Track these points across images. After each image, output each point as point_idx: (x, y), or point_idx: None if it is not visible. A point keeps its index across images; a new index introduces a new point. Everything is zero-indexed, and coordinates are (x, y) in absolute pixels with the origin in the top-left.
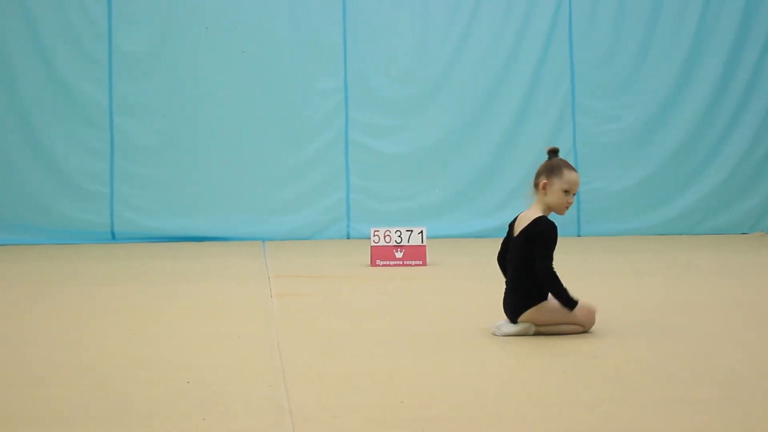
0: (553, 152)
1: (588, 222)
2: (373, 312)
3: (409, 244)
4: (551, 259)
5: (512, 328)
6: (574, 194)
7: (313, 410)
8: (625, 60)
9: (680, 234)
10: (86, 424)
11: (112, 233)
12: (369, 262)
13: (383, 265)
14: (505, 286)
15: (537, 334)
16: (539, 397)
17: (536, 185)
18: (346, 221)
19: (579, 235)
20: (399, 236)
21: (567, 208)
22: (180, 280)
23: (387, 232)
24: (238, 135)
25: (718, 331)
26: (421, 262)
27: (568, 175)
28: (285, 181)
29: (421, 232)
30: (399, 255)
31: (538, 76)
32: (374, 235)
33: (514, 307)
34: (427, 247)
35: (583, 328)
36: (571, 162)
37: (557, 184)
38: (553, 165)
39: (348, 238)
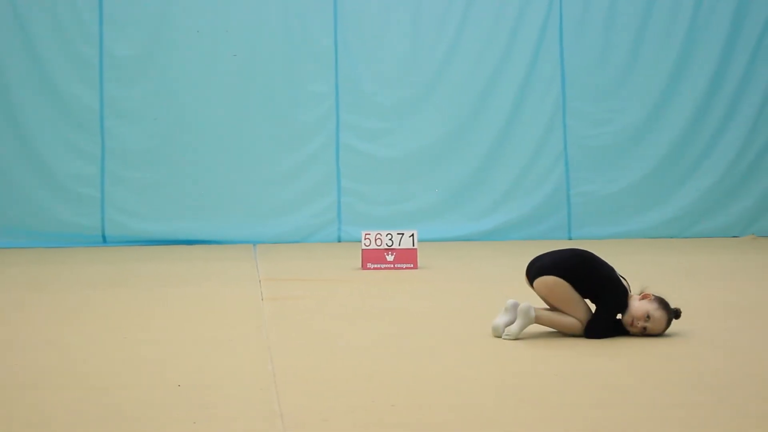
0: (677, 315)
1: (578, 225)
2: (364, 315)
3: (400, 247)
4: (607, 329)
5: (514, 328)
6: (646, 330)
7: (305, 414)
8: (615, 63)
9: (671, 237)
10: (77, 428)
11: (103, 236)
12: (360, 266)
13: (374, 269)
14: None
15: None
16: (532, 399)
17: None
18: (337, 224)
19: (570, 238)
20: (390, 239)
21: (630, 325)
22: (171, 283)
23: (378, 236)
24: (229, 138)
25: (710, 334)
26: (412, 266)
27: (663, 318)
28: (276, 185)
29: (412, 235)
30: (390, 258)
31: (529, 79)
32: (365, 239)
33: (541, 268)
34: (418, 251)
35: (577, 330)
36: (562, 166)
37: (649, 307)
38: (667, 306)
39: (339, 242)
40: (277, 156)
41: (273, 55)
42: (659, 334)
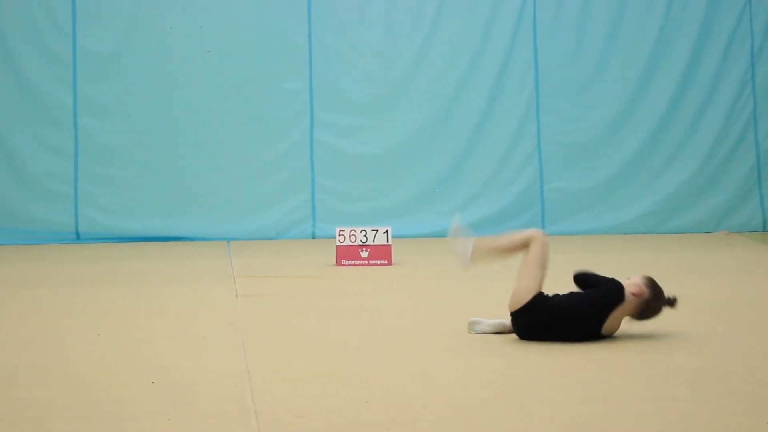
0: (670, 303)
1: (552, 221)
2: (338, 312)
3: (375, 243)
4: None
5: (488, 326)
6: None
7: (279, 411)
8: (589, 60)
9: (645, 233)
10: (53, 424)
11: (77, 233)
12: (334, 262)
13: (348, 265)
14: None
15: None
16: (505, 396)
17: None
18: (311, 221)
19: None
20: (364, 236)
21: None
22: (145, 280)
23: (352, 232)
24: (203, 135)
25: (684, 330)
26: (386, 262)
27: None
28: (250, 181)
29: (387, 231)
30: (364, 254)
31: (503, 76)
32: (339, 235)
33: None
34: (392, 247)
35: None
36: (536, 162)
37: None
38: (648, 307)
39: (313, 238)
40: (252, 153)
41: (247, 52)
42: (657, 308)
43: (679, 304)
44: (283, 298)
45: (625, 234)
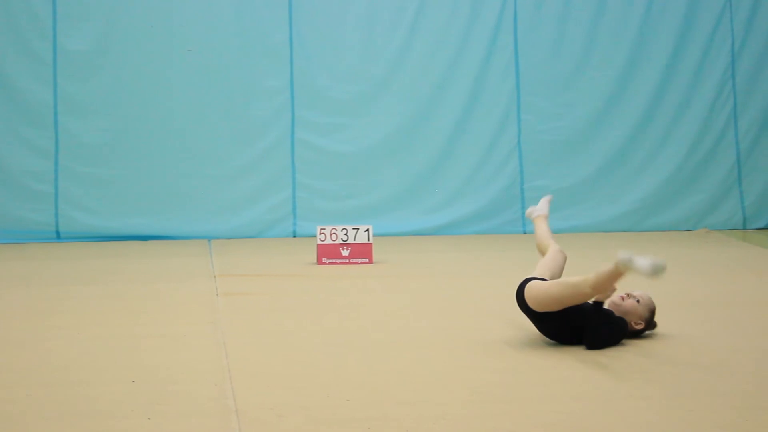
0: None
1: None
2: (319, 311)
3: (356, 242)
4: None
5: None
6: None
7: (260, 410)
8: (569, 58)
9: (625, 231)
10: (32, 423)
11: (57, 232)
12: (315, 261)
13: (330, 263)
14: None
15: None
16: (485, 394)
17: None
18: (292, 219)
19: (524, 233)
20: (345, 234)
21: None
22: (126, 279)
23: (333, 230)
24: (184, 134)
25: (662, 327)
26: (367, 260)
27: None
28: (231, 180)
29: (368, 229)
30: (345, 253)
31: (484, 74)
32: (320, 233)
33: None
34: (373, 245)
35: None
36: (516, 159)
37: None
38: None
39: (294, 237)
40: (232, 151)
41: (227, 50)
42: (651, 318)
43: (659, 305)
44: (264, 296)
45: (606, 232)
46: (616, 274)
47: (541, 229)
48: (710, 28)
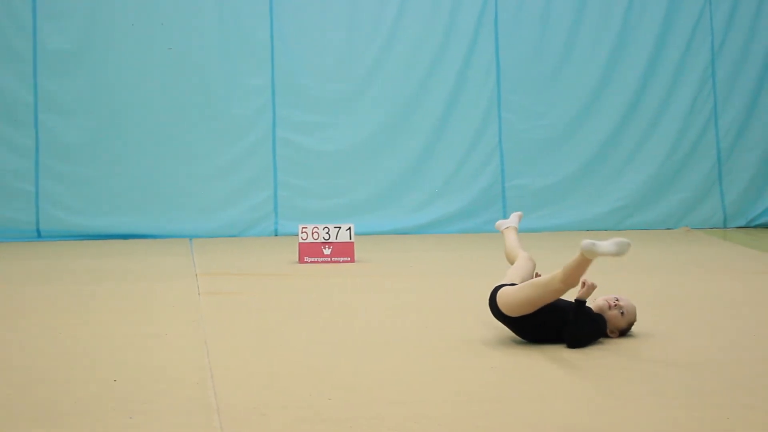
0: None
1: None
2: (301, 310)
3: (337, 240)
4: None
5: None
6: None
7: (242, 408)
8: (550, 56)
9: (606, 230)
10: (13, 423)
11: (38, 231)
12: (297, 259)
13: (311, 262)
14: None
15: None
16: (469, 393)
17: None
18: (274, 218)
19: None
20: (327, 233)
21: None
22: (107, 278)
23: (315, 229)
24: (165, 132)
25: (643, 326)
26: (349, 259)
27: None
28: (212, 179)
29: (349, 228)
30: (327, 252)
31: (465, 72)
32: (302, 232)
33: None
34: (355, 244)
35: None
36: (497, 158)
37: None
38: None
39: (276, 236)
40: (213, 150)
41: (209, 49)
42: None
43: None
44: (245, 295)
45: (587, 231)
46: (583, 263)
47: (510, 239)
48: (690, 26)
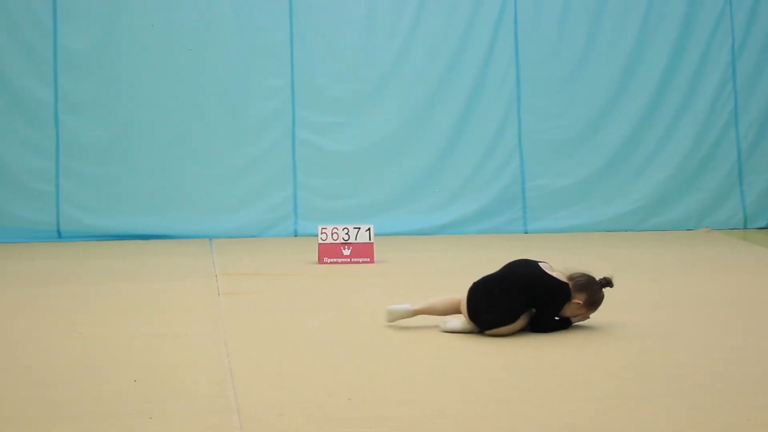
0: (608, 284)
1: (534, 219)
2: (320, 310)
3: (357, 241)
4: (551, 322)
5: (458, 324)
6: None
7: (261, 408)
8: (569, 57)
9: (626, 230)
10: (34, 423)
11: (58, 232)
12: (317, 260)
13: (331, 263)
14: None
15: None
16: (486, 393)
17: (572, 289)
18: (293, 219)
19: (526, 232)
20: (346, 233)
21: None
22: (127, 278)
23: (334, 230)
24: (185, 133)
25: (660, 326)
26: (368, 260)
27: (592, 312)
28: (232, 179)
29: (369, 229)
30: (346, 252)
31: (484, 73)
32: (322, 233)
33: (487, 321)
34: (374, 245)
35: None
36: (517, 159)
37: (585, 310)
38: (596, 300)
39: (295, 236)
40: (233, 150)
41: (228, 49)
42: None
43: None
44: (265, 296)
45: (607, 231)
46: None
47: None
48: (710, 27)
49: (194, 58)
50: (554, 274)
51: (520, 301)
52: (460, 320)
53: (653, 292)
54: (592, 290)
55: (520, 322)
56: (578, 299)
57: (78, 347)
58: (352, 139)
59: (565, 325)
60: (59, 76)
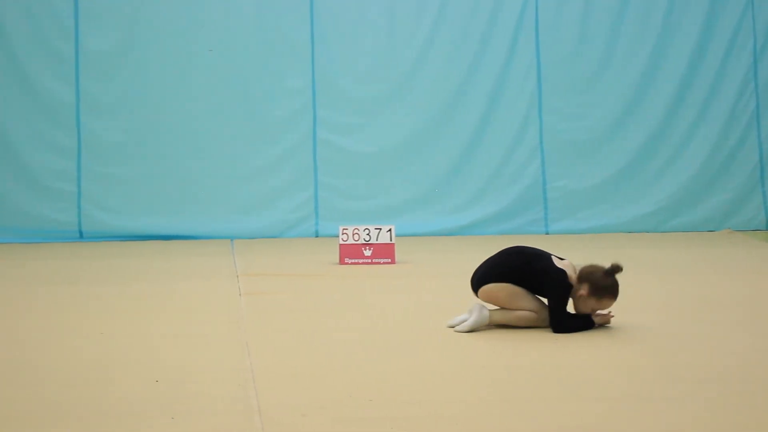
0: (614, 271)
1: (555, 220)
2: (342, 310)
3: (378, 242)
4: (566, 317)
5: (467, 323)
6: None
7: (283, 409)
8: (591, 58)
9: (647, 232)
10: (56, 423)
11: (80, 232)
12: (338, 261)
13: (352, 263)
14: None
15: (493, 327)
16: (508, 394)
17: (578, 280)
18: (314, 219)
19: (547, 233)
20: (368, 234)
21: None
22: (148, 279)
23: (356, 230)
24: (206, 133)
25: (683, 328)
26: (389, 260)
27: (608, 302)
28: (253, 180)
29: (390, 230)
30: (368, 253)
31: (505, 74)
32: (343, 234)
33: (481, 276)
34: (395, 245)
35: (533, 321)
36: (538, 160)
37: (592, 303)
38: (602, 286)
39: (317, 237)
40: (254, 151)
41: (249, 50)
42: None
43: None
44: (286, 296)
45: (628, 232)
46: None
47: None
48: (732, 28)
49: (215, 59)
50: (558, 264)
51: (516, 267)
52: (470, 316)
53: (673, 293)
54: (594, 278)
55: (518, 297)
56: (582, 290)
57: (100, 347)
58: (374, 140)
59: (587, 324)
60: (81, 77)
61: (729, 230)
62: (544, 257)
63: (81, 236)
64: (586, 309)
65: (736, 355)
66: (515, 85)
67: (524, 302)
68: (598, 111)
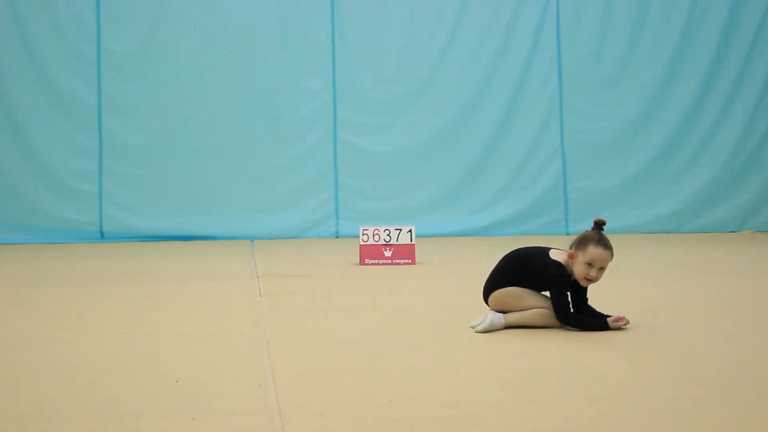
0: (598, 225)
1: (576, 220)
2: (362, 311)
3: (398, 242)
4: (567, 307)
5: (482, 324)
6: (602, 269)
7: (302, 409)
8: (612, 57)
9: (668, 232)
10: (76, 423)
11: (101, 232)
12: (358, 261)
13: (372, 264)
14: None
15: (510, 328)
16: (528, 395)
17: (568, 256)
18: (334, 220)
19: (567, 234)
20: (388, 235)
21: (589, 281)
22: (169, 279)
23: (376, 231)
24: (227, 134)
25: (706, 330)
26: (410, 261)
27: (593, 250)
28: (274, 180)
29: (410, 230)
30: (388, 254)
31: (526, 74)
32: (363, 234)
33: (487, 286)
34: (416, 246)
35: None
36: (559, 160)
37: (581, 257)
38: (583, 237)
39: (337, 237)
40: (275, 151)
41: (270, 51)
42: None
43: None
44: (306, 296)
45: (649, 233)
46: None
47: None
48: (755, 24)
49: (236, 59)
50: (554, 256)
51: (516, 270)
52: (488, 318)
53: (695, 294)
54: (577, 236)
55: (524, 297)
56: (569, 255)
57: (120, 347)
58: (394, 141)
59: (599, 326)
60: (102, 78)
61: (750, 231)
62: (539, 253)
63: (102, 237)
64: (581, 272)
65: (760, 357)
66: (536, 85)
67: (531, 301)
68: (619, 111)
